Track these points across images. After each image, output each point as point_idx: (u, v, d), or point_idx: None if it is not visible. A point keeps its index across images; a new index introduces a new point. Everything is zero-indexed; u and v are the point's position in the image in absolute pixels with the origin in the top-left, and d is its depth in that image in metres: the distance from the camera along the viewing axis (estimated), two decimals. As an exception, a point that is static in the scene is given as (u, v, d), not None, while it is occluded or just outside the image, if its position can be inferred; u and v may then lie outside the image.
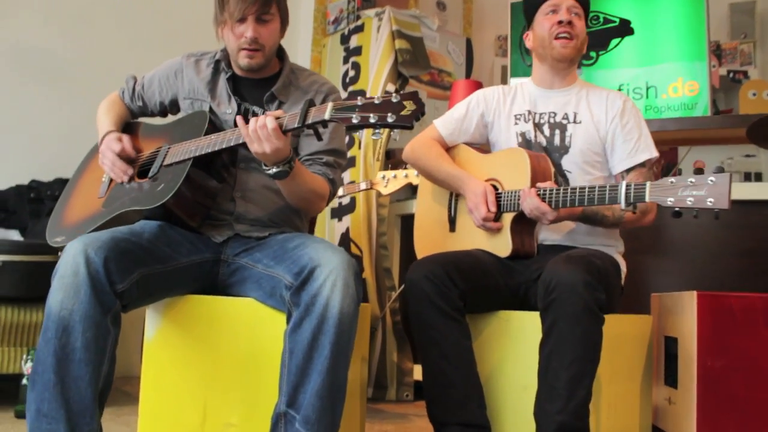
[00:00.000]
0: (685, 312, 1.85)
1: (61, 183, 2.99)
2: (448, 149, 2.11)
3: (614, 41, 2.79)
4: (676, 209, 1.48)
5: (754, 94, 3.24)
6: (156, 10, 3.58)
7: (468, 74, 3.91)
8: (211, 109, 1.78)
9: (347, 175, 3.52)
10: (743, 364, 1.74)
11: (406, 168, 2.72)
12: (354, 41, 3.68)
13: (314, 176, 1.71)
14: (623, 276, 1.90)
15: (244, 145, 1.54)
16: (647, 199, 1.53)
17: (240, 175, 1.73)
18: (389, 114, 1.38)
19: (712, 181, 1.44)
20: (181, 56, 1.88)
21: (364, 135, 3.38)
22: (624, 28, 2.78)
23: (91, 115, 3.28)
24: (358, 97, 1.43)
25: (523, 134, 2.00)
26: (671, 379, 1.95)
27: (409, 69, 3.46)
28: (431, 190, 2.16)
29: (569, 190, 1.71)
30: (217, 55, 1.83)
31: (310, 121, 1.46)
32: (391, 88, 3.35)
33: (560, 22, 1.92)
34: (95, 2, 3.39)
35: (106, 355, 1.40)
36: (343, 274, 1.45)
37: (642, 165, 1.88)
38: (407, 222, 3.28)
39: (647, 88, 2.70)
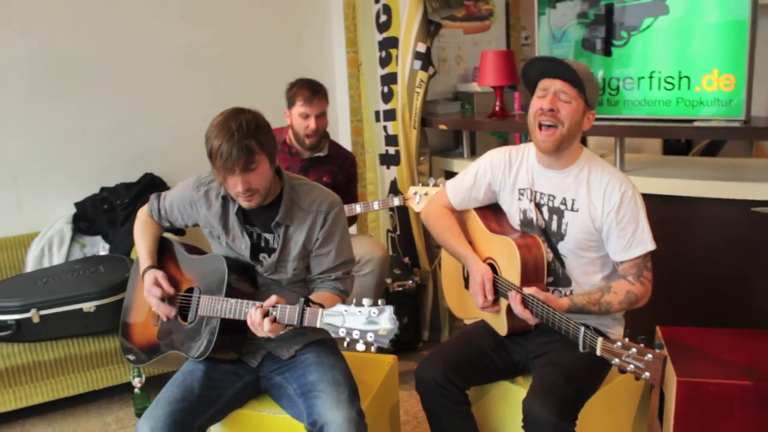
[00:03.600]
0: (668, 385, 2.06)
1: (125, 187, 3.31)
2: (460, 212, 2.25)
3: (647, 20, 2.56)
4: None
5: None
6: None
7: (508, -6, 3.65)
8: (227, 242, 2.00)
9: (390, 127, 3.59)
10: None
11: (437, 185, 2.82)
12: (383, -21, 3.49)
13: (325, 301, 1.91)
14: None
15: None
16: (598, 353, 1.69)
17: (263, 296, 1.94)
18: (369, 333, 1.59)
19: (649, 357, 1.59)
20: (192, 186, 2.04)
21: (401, 93, 3.38)
22: (658, 6, 2.53)
23: (133, 113, 3.47)
24: (344, 309, 1.64)
25: (524, 212, 2.09)
26: (662, 414, 2.22)
27: (441, 13, 3.31)
28: None
29: (547, 309, 1.85)
30: (222, 189, 1.98)
31: (305, 323, 1.70)
32: (421, 48, 3.26)
33: (542, 109, 1.91)
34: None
35: None
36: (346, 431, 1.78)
37: (637, 257, 1.94)
38: (451, 177, 3.40)
39: (680, 78, 2.53)
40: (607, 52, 2.70)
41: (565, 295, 2.02)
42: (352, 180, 3.07)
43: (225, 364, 2.00)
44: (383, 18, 3.52)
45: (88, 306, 2.75)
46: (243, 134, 1.77)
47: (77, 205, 3.28)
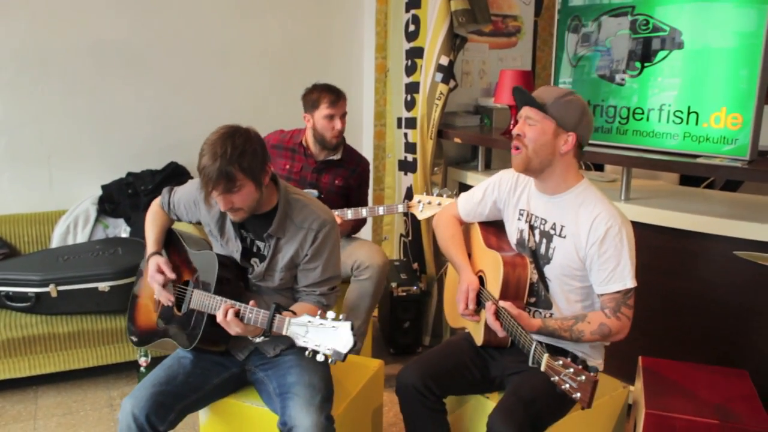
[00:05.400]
0: (639, 417, 2.10)
1: (150, 174, 3.47)
2: (467, 223, 2.35)
3: (661, 53, 2.58)
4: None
5: None
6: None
7: (537, 12, 3.67)
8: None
9: (410, 135, 3.66)
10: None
11: (440, 196, 2.89)
12: (414, -11, 3.55)
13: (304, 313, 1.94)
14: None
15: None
16: (542, 369, 1.75)
17: (252, 296, 2.06)
18: (328, 347, 1.70)
19: (582, 378, 1.64)
20: (197, 186, 2.11)
21: (421, 104, 3.45)
22: (673, 40, 2.55)
23: (166, 103, 3.62)
24: (308, 320, 1.74)
25: (521, 232, 2.15)
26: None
27: (467, 27, 3.36)
28: None
29: (514, 323, 1.90)
30: None
31: (274, 329, 1.80)
32: (444, 60, 3.32)
33: (513, 134, 2.02)
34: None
35: None
36: None
37: (616, 292, 1.97)
38: (464, 189, 3.46)
39: (689, 113, 2.54)
40: (621, 81, 2.72)
41: (544, 317, 2.08)
42: (363, 184, 3.15)
43: (213, 355, 2.11)
44: (412, 27, 3.59)
45: (103, 286, 2.92)
46: (226, 160, 1.85)
47: (104, 187, 3.45)
